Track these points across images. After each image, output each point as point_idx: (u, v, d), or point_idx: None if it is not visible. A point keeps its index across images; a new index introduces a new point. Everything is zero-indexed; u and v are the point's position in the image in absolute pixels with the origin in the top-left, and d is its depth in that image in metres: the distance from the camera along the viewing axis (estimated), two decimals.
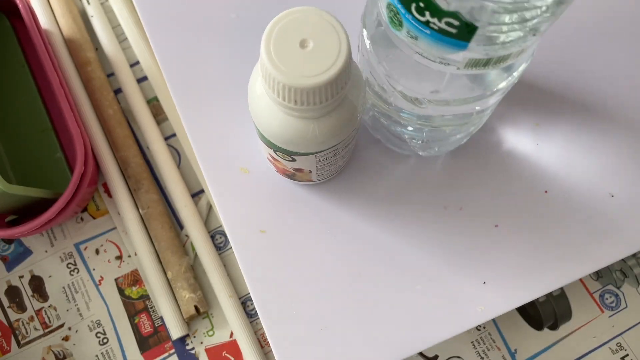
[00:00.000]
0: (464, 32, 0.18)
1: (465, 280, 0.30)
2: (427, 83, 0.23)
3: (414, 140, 0.29)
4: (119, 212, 0.47)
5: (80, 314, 0.45)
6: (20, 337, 0.45)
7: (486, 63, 0.20)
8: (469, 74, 0.22)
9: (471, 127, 0.28)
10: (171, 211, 0.48)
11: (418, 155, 0.31)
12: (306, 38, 0.19)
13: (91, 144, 0.47)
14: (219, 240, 0.47)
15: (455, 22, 0.18)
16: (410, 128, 0.28)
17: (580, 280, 0.46)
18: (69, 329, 0.45)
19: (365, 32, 0.24)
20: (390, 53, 0.23)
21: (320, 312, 0.29)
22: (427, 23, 0.19)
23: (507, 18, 0.17)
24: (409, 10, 0.19)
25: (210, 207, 0.48)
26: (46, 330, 0.45)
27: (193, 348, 0.44)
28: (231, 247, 0.46)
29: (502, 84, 0.23)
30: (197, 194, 0.48)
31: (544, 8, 0.17)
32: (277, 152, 0.25)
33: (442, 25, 0.18)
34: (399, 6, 0.19)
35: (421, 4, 0.18)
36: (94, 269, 0.46)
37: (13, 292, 0.46)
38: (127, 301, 0.46)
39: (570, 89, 0.33)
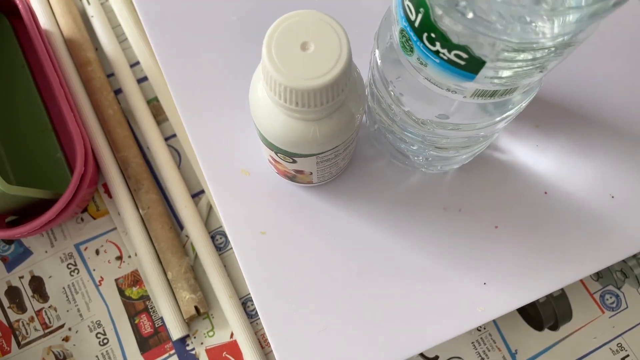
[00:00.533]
0: (472, 65, 0.18)
1: (466, 281, 0.30)
2: (434, 107, 0.23)
3: (416, 158, 0.29)
4: (119, 213, 0.47)
5: (81, 315, 0.45)
6: (20, 338, 0.45)
7: (492, 94, 0.20)
8: (476, 103, 0.22)
9: (476, 149, 0.28)
10: (171, 211, 0.48)
11: (421, 170, 0.32)
12: (307, 40, 0.19)
13: (91, 144, 0.47)
14: (219, 241, 0.47)
15: (464, 55, 0.18)
16: (414, 147, 0.28)
17: (581, 280, 0.46)
18: (69, 329, 0.45)
19: (377, 52, 0.24)
20: (400, 74, 0.23)
21: (320, 313, 0.29)
22: (437, 52, 0.19)
23: (514, 56, 0.17)
24: (420, 39, 0.19)
25: (210, 208, 0.48)
26: (46, 331, 0.45)
27: (193, 349, 0.44)
28: (231, 248, 0.46)
29: (510, 112, 0.23)
30: (197, 195, 0.48)
31: (552, 48, 0.17)
32: (278, 154, 0.25)
33: (452, 56, 0.18)
34: (411, 33, 0.19)
35: (432, 35, 0.18)
36: (94, 270, 0.46)
37: (13, 293, 0.46)
38: (127, 302, 0.46)
39: (570, 90, 0.33)
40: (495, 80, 0.19)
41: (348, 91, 0.21)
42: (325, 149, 0.24)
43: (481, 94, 0.20)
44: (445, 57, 0.19)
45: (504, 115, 0.24)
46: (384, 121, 0.27)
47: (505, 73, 0.19)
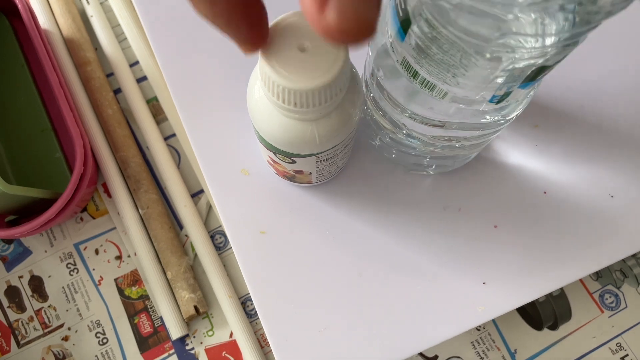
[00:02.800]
0: (405, 21, 0.20)
1: (465, 280, 0.30)
2: (436, 112, 0.23)
3: (417, 158, 0.29)
4: (119, 212, 0.47)
5: (80, 314, 0.45)
6: (19, 337, 0.45)
7: (414, 74, 0.21)
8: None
9: (473, 152, 0.28)
10: (171, 211, 0.48)
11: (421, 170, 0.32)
12: (304, 41, 0.19)
13: (91, 144, 0.47)
14: (218, 240, 0.47)
15: (403, 5, 0.19)
16: (415, 150, 0.28)
17: (580, 280, 0.46)
18: (69, 329, 0.45)
19: (370, 53, 0.25)
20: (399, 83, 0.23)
21: (320, 313, 0.29)
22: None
23: (433, 33, 0.18)
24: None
25: (210, 207, 0.48)
26: (46, 331, 0.45)
27: (193, 348, 0.44)
28: (231, 247, 0.46)
29: (502, 121, 0.24)
30: (196, 194, 0.48)
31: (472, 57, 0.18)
32: (277, 155, 0.25)
33: (397, 1, 0.20)
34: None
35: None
36: (93, 269, 0.46)
37: (12, 292, 0.46)
38: (126, 301, 0.46)
39: (568, 90, 0.33)
40: (415, 54, 0.20)
41: (346, 90, 0.21)
42: (324, 149, 0.24)
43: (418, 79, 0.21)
44: (395, 2, 0.20)
45: (510, 117, 0.24)
46: (387, 129, 0.27)
47: (427, 59, 0.19)
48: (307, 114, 0.21)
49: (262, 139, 0.24)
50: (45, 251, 0.47)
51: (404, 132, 0.26)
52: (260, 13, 0.16)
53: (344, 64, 0.19)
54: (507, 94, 0.20)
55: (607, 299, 0.45)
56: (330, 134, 0.23)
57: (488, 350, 0.44)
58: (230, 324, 0.44)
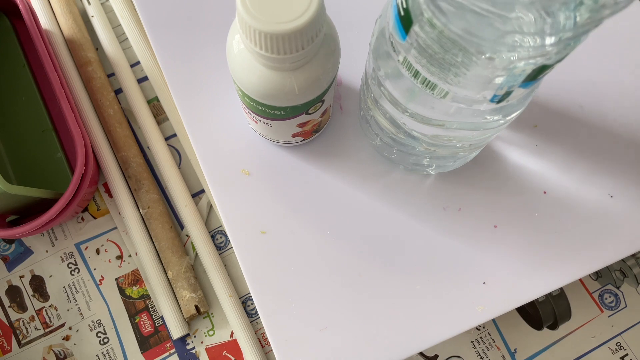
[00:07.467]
0: (406, 19, 0.20)
1: (465, 280, 0.30)
2: (436, 110, 0.23)
3: (417, 158, 0.29)
4: (120, 212, 0.47)
5: (81, 314, 0.45)
6: (21, 337, 0.45)
7: (416, 74, 0.21)
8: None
9: (474, 151, 0.28)
10: (172, 211, 0.48)
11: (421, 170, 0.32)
12: None
13: (92, 144, 0.47)
14: (219, 240, 0.47)
15: (404, 4, 0.19)
16: (416, 149, 0.28)
17: (580, 280, 0.46)
18: (70, 328, 0.45)
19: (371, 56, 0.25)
20: (400, 82, 0.24)
21: (320, 312, 0.29)
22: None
23: (434, 33, 0.18)
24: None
25: (210, 207, 0.48)
26: (47, 330, 0.45)
27: (193, 347, 0.44)
28: (232, 247, 0.46)
29: (502, 121, 0.24)
30: (197, 194, 0.48)
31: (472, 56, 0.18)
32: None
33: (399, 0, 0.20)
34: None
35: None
36: (94, 269, 0.46)
37: (14, 292, 0.46)
38: (127, 301, 0.46)
39: (568, 90, 0.33)
40: (416, 54, 0.20)
41: (321, 41, 0.21)
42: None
43: (414, 73, 0.21)
44: (396, 1, 0.20)
45: (510, 117, 0.24)
46: (388, 129, 0.27)
47: (425, 57, 0.19)
48: (286, 62, 0.21)
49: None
50: (47, 251, 0.47)
51: (404, 131, 0.26)
52: None
53: (319, 8, 0.20)
54: (507, 94, 0.20)
55: (606, 298, 0.45)
56: (310, 83, 0.23)
57: (488, 349, 0.44)
58: (231, 324, 0.44)
